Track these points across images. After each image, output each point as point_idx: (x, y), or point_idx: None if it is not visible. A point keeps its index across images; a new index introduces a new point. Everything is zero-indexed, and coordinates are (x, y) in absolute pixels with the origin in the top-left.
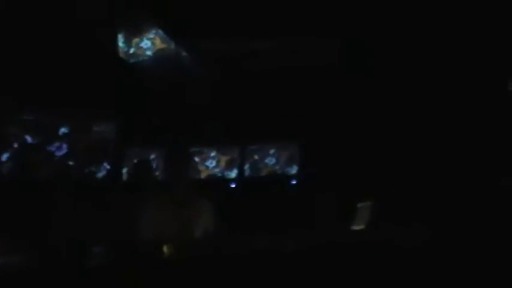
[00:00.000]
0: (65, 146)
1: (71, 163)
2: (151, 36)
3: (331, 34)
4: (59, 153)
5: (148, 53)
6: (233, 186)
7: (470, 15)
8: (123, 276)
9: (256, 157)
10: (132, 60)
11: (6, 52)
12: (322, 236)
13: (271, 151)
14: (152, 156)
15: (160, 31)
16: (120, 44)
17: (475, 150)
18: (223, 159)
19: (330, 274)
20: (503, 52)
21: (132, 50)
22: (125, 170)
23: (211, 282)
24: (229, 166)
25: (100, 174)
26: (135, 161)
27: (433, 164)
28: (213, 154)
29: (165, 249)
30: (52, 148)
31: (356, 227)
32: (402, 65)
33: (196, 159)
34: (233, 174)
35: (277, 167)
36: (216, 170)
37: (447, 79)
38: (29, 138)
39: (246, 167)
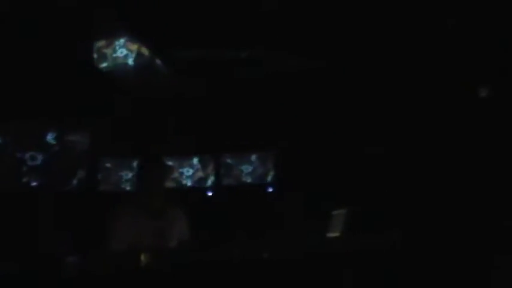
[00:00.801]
0: (39, 155)
1: (44, 173)
2: (122, 43)
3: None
4: (32, 163)
5: (130, 61)
6: (210, 194)
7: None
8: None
9: (232, 165)
10: (106, 69)
11: None
12: (297, 244)
13: (248, 159)
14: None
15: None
16: (95, 56)
17: (446, 153)
18: (200, 168)
19: (306, 281)
20: (473, 58)
21: (107, 63)
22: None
23: None
24: (205, 174)
25: (74, 184)
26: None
27: (406, 169)
28: (189, 163)
29: (142, 257)
30: (25, 157)
31: (331, 234)
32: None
33: (172, 168)
34: (209, 182)
35: (253, 175)
36: (193, 178)
37: (417, 85)
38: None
39: (222, 175)
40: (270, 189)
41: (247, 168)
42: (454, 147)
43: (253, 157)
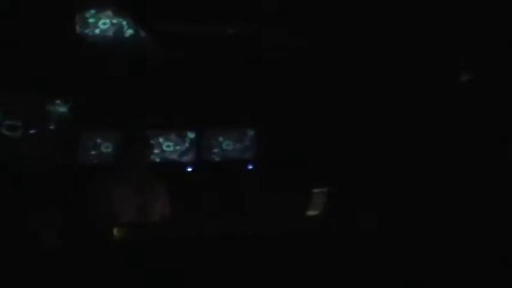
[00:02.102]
0: (19, 127)
1: (25, 146)
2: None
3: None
4: (13, 135)
5: (109, 33)
6: (190, 170)
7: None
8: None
9: (213, 141)
10: (90, 40)
11: None
12: (277, 221)
13: (228, 135)
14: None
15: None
16: (78, 25)
17: (429, 135)
18: (180, 143)
19: (286, 260)
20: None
21: (88, 31)
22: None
23: (167, 265)
24: (186, 150)
25: (55, 158)
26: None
27: (388, 149)
28: (169, 137)
29: (115, 231)
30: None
31: (311, 213)
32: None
33: (153, 142)
34: (190, 158)
35: (234, 152)
36: (173, 153)
37: (400, 70)
38: None
39: (203, 150)
40: (250, 166)
41: (228, 144)
42: (437, 129)
43: (234, 133)
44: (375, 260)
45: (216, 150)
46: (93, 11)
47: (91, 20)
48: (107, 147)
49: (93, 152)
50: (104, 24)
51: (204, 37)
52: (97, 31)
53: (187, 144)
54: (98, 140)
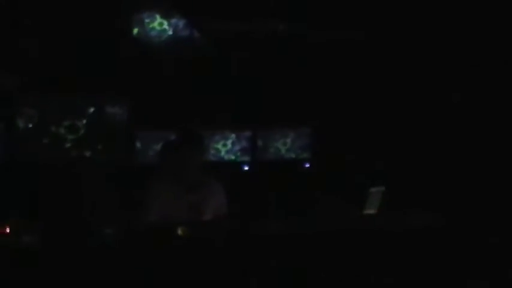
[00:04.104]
0: (79, 128)
1: (83, 145)
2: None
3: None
4: (72, 136)
5: (169, 32)
6: (246, 169)
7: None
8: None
9: (269, 140)
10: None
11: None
12: (333, 220)
13: (285, 134)
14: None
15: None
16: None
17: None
18: (237, 142)
19: (342, 259)
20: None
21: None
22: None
23: (223, 264)
24: (242, 149)
25: (112, 156)
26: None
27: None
28: (225, 136)
29: (179, 231)
30: (64, 129)
31: (367, 212)
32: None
33: (209, 142)
34: (246, 157)
35: (290, 150)
36: (229, 152)
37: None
38: (40, 120)
39: (259, 150)
40: (307, 165)
41: (284, 143)
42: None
43: (291, 132)
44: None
45: (272, 149)
46: (149, 12)
47: (146, 20)
48: None
49: (149, 151)
50: (161, 25)
51: (255, 36)
52: (152, 32)
53: (243, 143)
54: (154, 139)
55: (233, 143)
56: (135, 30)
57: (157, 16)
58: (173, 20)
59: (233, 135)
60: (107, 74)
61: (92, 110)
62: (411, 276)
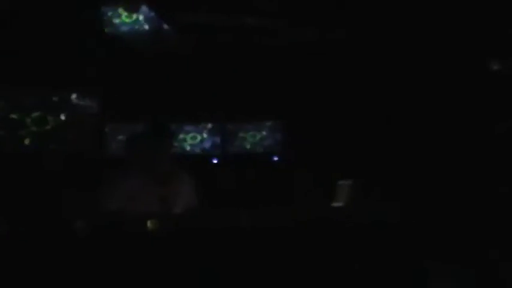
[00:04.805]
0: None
1: (54, 138)
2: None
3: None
4: (40, 127)
5: (146, 26)
6: (215, 162)
7: None
8: (106, 250)
9: (238, 133)
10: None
11: None
12: (303, 212)
13: (254, 127)
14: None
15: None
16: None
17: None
18: (205, 135)
19: (312, 250)
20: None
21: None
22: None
23: (191, 257)
24: (211, 142)
25: (84, 149)
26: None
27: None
28: (194, 130)
29: (148, 224)
30: (31, 120)
31: (336, 204)
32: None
33: (178, 135)
34: (215, 150)
35: (259, 143)
36: (198, 146)
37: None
38: (12, 113)
39: (228, 143)
40: (276, 158)
41: (253, 136)
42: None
43: (260, 125)
44: (398, 251)
45: (240, 142)
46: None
47: (112, 15)
48: None
49: (118, 142)
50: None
51: (224, 28)
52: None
53: (212, 136)
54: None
55: (202, 136)
56: (104, 23)
57: (122, 9)
58: (143, 13)
59: (202, 128)
60: (78, 66)
61: (61, 102)
62: (373, 266)
